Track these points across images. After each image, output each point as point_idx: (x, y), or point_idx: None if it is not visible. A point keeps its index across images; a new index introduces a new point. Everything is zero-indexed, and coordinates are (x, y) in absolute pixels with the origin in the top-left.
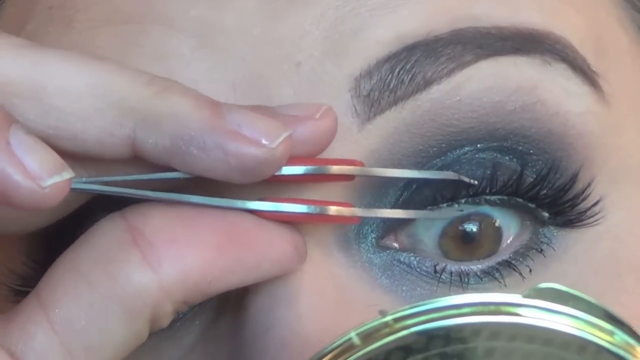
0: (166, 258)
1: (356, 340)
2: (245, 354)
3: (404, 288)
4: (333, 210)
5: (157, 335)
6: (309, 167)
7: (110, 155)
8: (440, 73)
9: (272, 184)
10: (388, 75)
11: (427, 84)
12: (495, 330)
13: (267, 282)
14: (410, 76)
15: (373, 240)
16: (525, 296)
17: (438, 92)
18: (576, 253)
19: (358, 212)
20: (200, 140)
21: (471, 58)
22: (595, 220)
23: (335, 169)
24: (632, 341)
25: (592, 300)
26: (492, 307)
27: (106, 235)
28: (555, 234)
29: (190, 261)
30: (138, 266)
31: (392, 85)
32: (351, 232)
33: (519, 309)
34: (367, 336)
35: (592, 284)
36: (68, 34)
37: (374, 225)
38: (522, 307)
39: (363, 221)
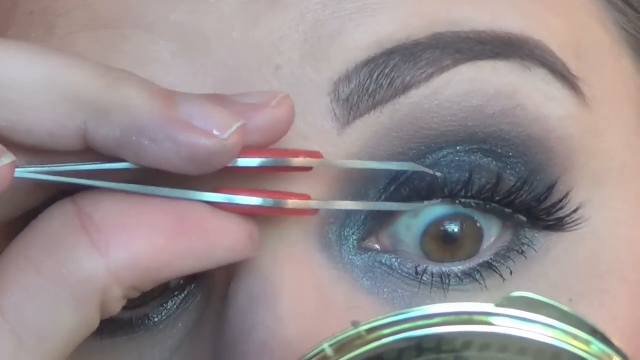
0: (114, 243)
1: (329, 352)
2: (227, 357)
3: (385, 290)
4: (289, 203)
5: (141, 336)
6: (266, 160)
7: (62, 147)
8: (419, 77)
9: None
10: (367, 80)
11: (406, 88)
12: (468, 340)
13: (248, 284)
14: (389, 81)
15: (355, 242)
16: (498, 305)
17: (417, 97)
18: (557, 254)
19: (314, 204)
20: (151, 132)
21: (450, 62)
22: (580, 224)
23: (295, 161)
24: (609, 351)
25: (566, 308)
26: (464, 317)
27: (55, 220)
28: (536, 235)
29: (139, 246)
30: (86, 251)
31: (371, 89)
32: (332, 234)
33: (491, 318)
34: (340, 347)
35: (573, 286)
36: (49, 40)
37: (355, 227)
38: (495, 316)
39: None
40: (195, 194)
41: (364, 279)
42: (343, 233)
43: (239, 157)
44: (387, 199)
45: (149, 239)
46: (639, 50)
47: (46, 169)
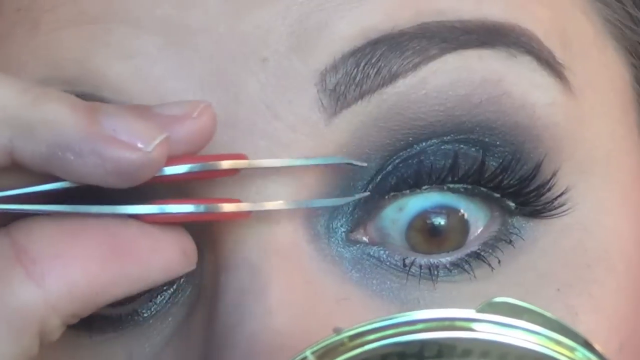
0: (50, 274)
1: (312, 359)
2: (217, 349)
3: (374, 282)
4: (223, 207)
5: (131, 332)
6: (193, 165)
7: None
8: (405, 67)
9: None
10: (353, 70)
11: (393, 77)
12: (450, 346)
13: (237, 276)
14: (375, 70)
15: (343, 234)
16: (478, 311)
17: (404, 86)
18: (545, 244)
19: (244, 206)
20: (76, 147)
21: (436, 52)
22: (564, 211)
23: (227, 163)
24: (593, 357)
25: (548, 313)
26: (446, 323)
27: None
28: (524, 225)
29: (74, 276)
30: (22, 283)
31: (357, 79)
32: (321, 226)
33: (473, 324)
34: (323, 355)
35: (561, 275)
36: (35, 36)
37: (344, 219)
38: (477, 322)
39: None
40: (127, 208)
41: (353, 270)
42: (332, 225)
43: (165, 165)
44: (375, 189)
45: (83, 267)
46: (623, 41)
47: None
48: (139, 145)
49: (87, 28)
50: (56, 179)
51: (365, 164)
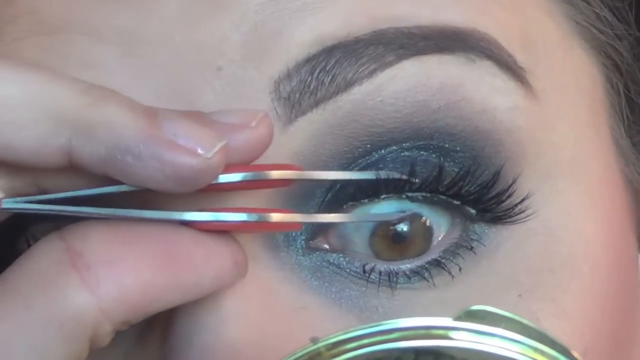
0: (104, 280)
1: None
2: None
3: (333, 289)
4: (273, 217)
5: None
6: (247, 174)
7: (45, 165)
8: (361, 74)
9: (207, 195)
10: (308, 77)
11: (348, 85)
12: (428, 354)
13: None
14: (330, 77)
15: (302, 242)
16: (456, 319)
17: (360, 93)
18: (508, 249)
19: (298, 217)
20: (135, 150)
21: (393, 58)
22: (527, 216)
23: (274, 174)
24: None
25: (526, 321)
26: (422, 332)
27: (45, 256)
28: (486, 230)
29: (128, 283)
30: (76, 288)
31: (312, 86)
32: (279, 235)
33: (450, 332)
34: None
35: (524, 281)
36: None
37: (303, 227)
38: (454, 330)
39: (303, 227)
40: (181, 214)
41: (312, 278)
42: (290, 234)
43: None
44: (333, 197)
45: (138, 275)
46: (592, 42)
47: (28, 198)
48: (199, 151)
49: (46, 39)
50: (113, 183)
51: (415, 180)
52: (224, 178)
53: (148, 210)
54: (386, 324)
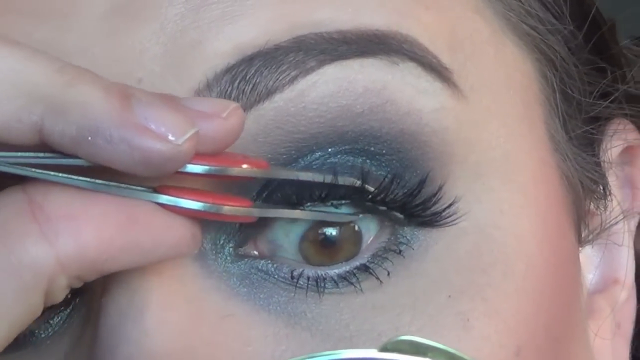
0: (63, 233)
1: None
2: None
3: (261, 296)
4: (227, 209)
5: (29, 353)
6: (211, 168)
7: (16, 141)
8: (282, 81)
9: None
10: (228, 87)
11: (270, 93)
12: None
13: (116, 298)
14: (251, 86)
15: (230, 249)
16: (381, 350)
17: (282, 100)
18: (437, 251)
19: (255, 212)
20: (106, 133)
21: (315, 64)
22: (457, 218)
23: (236, 171)
24: None
25: (452, 350)
26: None
27: (5, 207)
28: (415, 233)
29: (87, 237)
30: (35, 239)
31: (233, 96)
32: (207, 243)
33: None
34: None
35: (454, 281)
36: None
37: (230, 234)
38: None
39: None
40: (142, 194)
41: (241, 286)
42: (218, 241)
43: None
44: (268, 195)
45: (97, 230)
46: (525, 37)
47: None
48: (170, 137)
49: None
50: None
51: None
52: (190, 168)
53: (111, 183)
54: (311, 357)
